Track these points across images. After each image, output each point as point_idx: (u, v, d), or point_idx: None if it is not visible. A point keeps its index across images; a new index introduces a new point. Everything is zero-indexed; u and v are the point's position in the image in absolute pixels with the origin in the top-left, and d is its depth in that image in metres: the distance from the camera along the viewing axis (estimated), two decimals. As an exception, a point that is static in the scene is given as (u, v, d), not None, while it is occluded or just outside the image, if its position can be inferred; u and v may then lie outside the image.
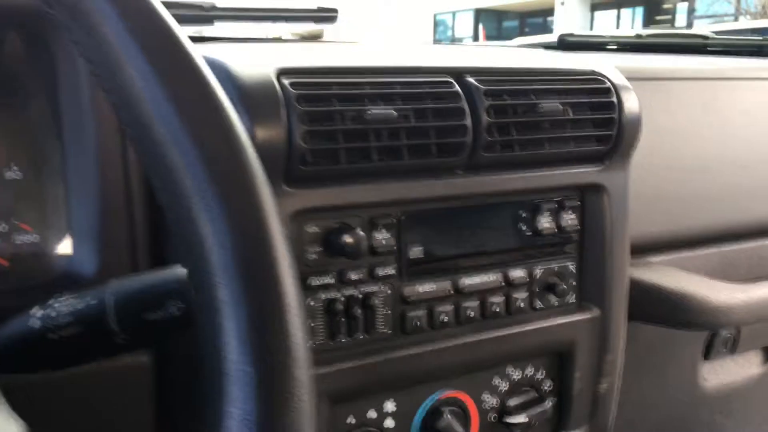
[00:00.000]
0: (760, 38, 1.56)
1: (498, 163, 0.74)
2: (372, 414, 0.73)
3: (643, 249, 1.05)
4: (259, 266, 0.38)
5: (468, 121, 0.70)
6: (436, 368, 0.75)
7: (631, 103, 0.81)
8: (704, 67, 1.18)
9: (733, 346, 1.19)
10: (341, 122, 0.64)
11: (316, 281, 0.67)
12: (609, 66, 0.84)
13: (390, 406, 0.74)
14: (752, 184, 1.14)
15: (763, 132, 1.17)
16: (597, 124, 0.79)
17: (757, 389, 1.29)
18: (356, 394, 0.71)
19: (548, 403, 0.83)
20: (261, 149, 0.60)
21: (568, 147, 0.78)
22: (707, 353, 1.17)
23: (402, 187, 0.70)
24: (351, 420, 0.72)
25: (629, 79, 0.85)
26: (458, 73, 0.72)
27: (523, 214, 0.79)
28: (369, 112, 0.64)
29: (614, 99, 0.79)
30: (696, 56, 1.32)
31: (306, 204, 0.64)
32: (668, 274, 1.01)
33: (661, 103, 1.05)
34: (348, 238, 0.66)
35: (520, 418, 0.81)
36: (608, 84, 0.80)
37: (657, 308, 0.97)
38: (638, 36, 1.42)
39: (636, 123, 0.82)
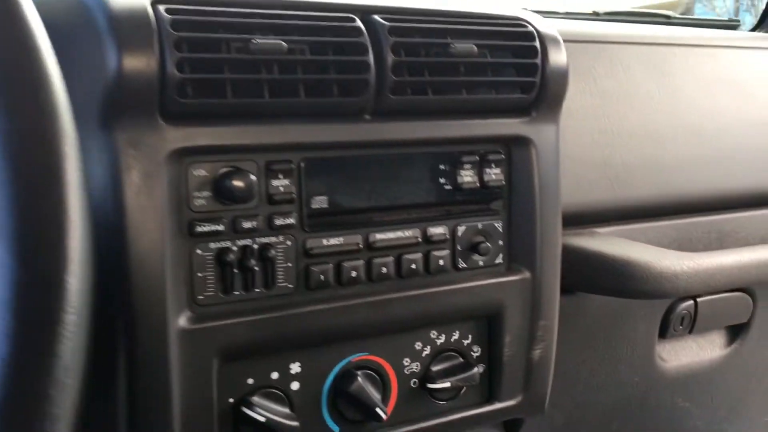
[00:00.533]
0: (726, 19, 1.53)
1: (410, 109, 0.70)
2: (275, 375, 0.68)
3: (589, 219, 1.00)
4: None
5: (370, 58, 0.65)
6: (347, 328, 0.70)
7: (557, 52, 0.77)
8: (655, 33, 1.14)
9: (691, 325, 1.14)
10: (225, 51, 0.60)
11: (203, 228, 0.62)
12: (537, 16, 0.80)
13: (295, 367, 0.69)
14: (708, 154, 1.10)
15: (720, 101, 1.13)
16: (519, 70, 0.75)
17: (720, 373, 1.24)
18: (254, 352, 0.66)
19: (476, 370, 0.78)
20: (130, 80, 0.57)
21: (489, 94, 0.73)
22: (663, 331, 1.12)
23: (301, 129, 0.65)
24: (250, 381, 0.67)
25: (569, 41, 0.81)
26: (363, 11, 0.68)
27: (443, 167, 0.75)
28: (255, 41, 0.60)
29: (537, 44, 0.75)
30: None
31: (189, 142, 0.60)
32: (613, 242, 0.96)
33: (604, 67, 1.01)
34: (238, 182, 0.62)
35: (444, 384, 0.76)
36: (531, 29, 0.76)
37: (601, 277, 0.92)
38: (595, 13, 1.38)
39: (563, 73, 0.78)
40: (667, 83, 1.08)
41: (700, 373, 1.21)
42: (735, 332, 1.23)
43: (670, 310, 1.11)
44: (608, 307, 1.04)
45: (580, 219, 0.99)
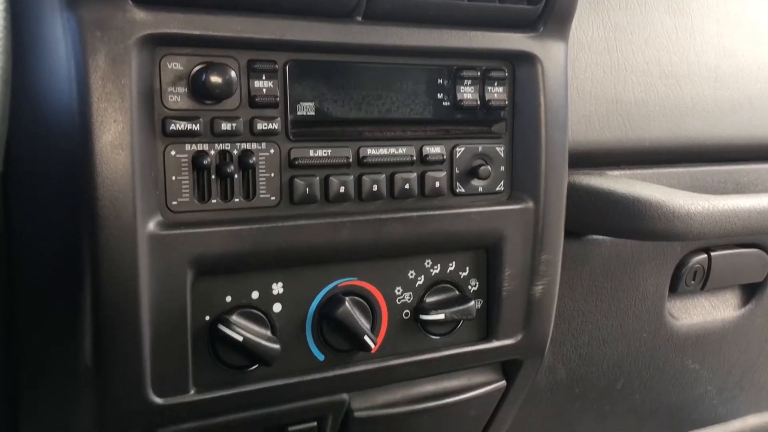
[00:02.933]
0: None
1: (405, 13, 0.65)
2: (255, 295, 0.64)
3: (598, 160, 0.95)
4: None
5: (359, -52, 0.60)
6: (334, 248, 0.65)
7: (567, -39, 0.72)
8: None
9: (704, 280, 1.08)
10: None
11: (177, 126, 0.57)
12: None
13: (278, 288, 0.65)
14: (726, 98, 1.04)
15: (740, 44, 1.07)
16: (525, -23, 0.69)
17: (733, 334, 1.18)
18: (232, 267, 0.61)
19: (472, 303, 0.73)
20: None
21: (492, 1, 0.68)
22: (674, 286, 1.07)
23: (287, 26, 0.60)
24: (228, 299, 0.62)
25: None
26: None
27: (441, 82, 0.69)
28: None
29: (545, -49, 0.70)
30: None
31: (161, 28, 0.55)
32: (623, 182, 0.91)
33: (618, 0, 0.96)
34: (215, 77, 0.57)
35: (438, 316, 0.71)
36: (538, -65, 0.70)
37: (611, 216, 0.87)
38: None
39: (573, -14, 0.72)
40: (685, 21, 1.02)
41: (711, 334, 1.16)
42: (750, 292, 1.17)
43: (682, 264, 1.06)
44: (616, 255, 0.99)
45: (589, 160, 0.93)
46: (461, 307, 0.72)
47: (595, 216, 0.87)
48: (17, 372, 0.65)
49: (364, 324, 0.67)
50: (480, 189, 0.73)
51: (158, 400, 0.59)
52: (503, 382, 0.81)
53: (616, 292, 1.01)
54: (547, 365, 1.00)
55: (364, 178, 0.66)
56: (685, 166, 1.03)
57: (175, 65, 0.57)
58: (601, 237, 0.96)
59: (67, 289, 0.57)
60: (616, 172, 0.96)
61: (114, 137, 0.54)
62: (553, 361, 1.01)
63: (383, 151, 0.67)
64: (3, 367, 0.64)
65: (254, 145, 0.61)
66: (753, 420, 1.37)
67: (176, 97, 0.57)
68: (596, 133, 0.92)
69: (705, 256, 1.07)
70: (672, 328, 1.10)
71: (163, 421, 0.61)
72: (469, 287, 0.75)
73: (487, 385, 0.80)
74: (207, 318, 0.62)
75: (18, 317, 0.62)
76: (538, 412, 1.07)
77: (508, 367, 0.81)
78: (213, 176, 0.60)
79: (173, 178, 0.58)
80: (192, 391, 0.61)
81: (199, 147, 0.59)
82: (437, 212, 0.70)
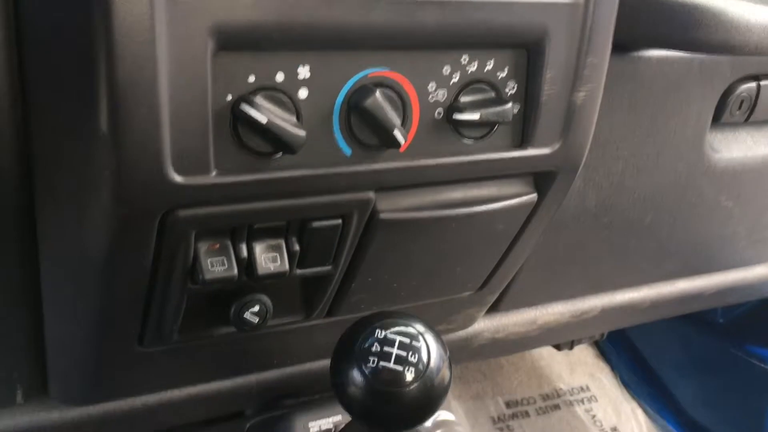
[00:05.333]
0: None
1: None
2: (280, 77, 0.59)
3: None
4: None
5: None
6: (364, 30, 0.60)
7: None
8: None
9: (750, 110, 1.03)
10: None
11: None
12: None
13: (304, 72, 0.60)
14: None
15: None
16: None
17: (772, 174, 1.14)
18: (255, 42, 0.57)
19: (509, 105, 0.68)
20: None
21: None
22: (718, 115, 1.01)
23: None
24: (251, 78, 0.58)
25: None
26: None
27: None
28: None
29: None
30: None
31: None
32: (679, -10, 0.83)
33: None
34: None
35: (472, 116, 0.67)
36: None
37: (665, 26, 0.80)
38: None
39: None
40: None
41: (750, 171, 1.11)
42: (795, 129, 1.12)
43: (729, 91, 1.00)
44: (662, 75, 0.93)
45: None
46: (497, 109, 0.68)
47: (647, 25, 0.81)
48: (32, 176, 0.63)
49: (395, 118, 0.63)
50: (526, -22, 0.66)
51: (178, 178, 0.57)
52: (534, 195, 0.78)
53: (656, 118, 0.96)
54: (578, 190, 0.97)
55: None
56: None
57: None
58: (647, 54, 0.89)
59: (81, 46, 0.53)
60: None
61: None
62: (584, 186, 0.98)
63: None
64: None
65: None
66: (779, 265, 1.36)
67: None
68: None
69: (754, 84, 1.01)
70: (710, 161, 1.06)
71: (184, 201, 0.59)
72: (507, 90, 0.70)
73: (519, 196, 0.77)
74: (229, 97, 0.58)
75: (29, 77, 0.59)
76: (561, 240, 1.05)
77: (541, 179, 0.78)
78: None
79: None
80: (213, 173, 0.59)
81: None
82: None
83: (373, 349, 0.55)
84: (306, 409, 1.00)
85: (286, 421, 0.98)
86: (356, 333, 0.57)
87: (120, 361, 0.77)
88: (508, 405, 1.84)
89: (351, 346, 0.57)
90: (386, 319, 0.57)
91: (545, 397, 1.87)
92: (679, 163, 1.03)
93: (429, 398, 0.56)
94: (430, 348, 0.56)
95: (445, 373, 0.58)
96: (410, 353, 0.55)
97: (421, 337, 0.57)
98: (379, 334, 0.56)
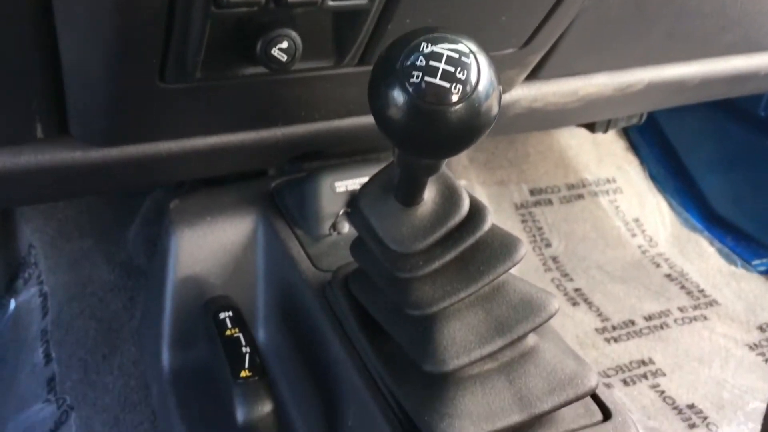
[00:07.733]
0: None
1: None
2: None
3: None
4: None
5: None
6: None
7: None
8: None
9: None
10: None
11: None
12: None
13: None
14: None
15: None
16: None
17: None
18: None
19: None
20: None
21: None
22: None
23: None
24: None
25: None
26: None
27: None
28: None
29: None
30: None
31: None
32: None
33: None
34: None
35: None
36: None
37: None
38: None
39: None
40: None
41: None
42: None
43: None
44: None
45: None
46: None
47: None
48: None
49: None
50: None
51: None
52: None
53: None
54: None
55: None
56: None
57: None
58: None
59: None
60: None
61: None
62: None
63: None
64: None
65: None
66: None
67: None
68: None
69: None
70: None
71: None
72: None
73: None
74: None
75: None
76: (615, 1, 0.95)
77: None
78: None
79: None
80: None
81: None
82: None
83: (418, 63, 0.49)
84: (332, 170, 0.97)
85: (311, 181, 0.96)
86: (398, 49, 0.51)
87: (141, 97, 0.72)
88: (532, 192, 1.82)
89: (393, 64, 0.51)
90: (434, 33, 0.51)
91: (570, 187, 1.85)
92: None
93: (473, 125, 0.51)
94: (480, 68, 0.50)
95: (494, 102, 0.53)
96: (458, 70, 0.49)
97: (472, 56, 0.51)
98: (425, 48, 0.50)
